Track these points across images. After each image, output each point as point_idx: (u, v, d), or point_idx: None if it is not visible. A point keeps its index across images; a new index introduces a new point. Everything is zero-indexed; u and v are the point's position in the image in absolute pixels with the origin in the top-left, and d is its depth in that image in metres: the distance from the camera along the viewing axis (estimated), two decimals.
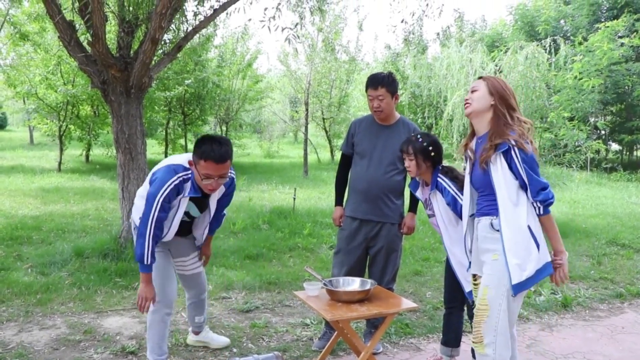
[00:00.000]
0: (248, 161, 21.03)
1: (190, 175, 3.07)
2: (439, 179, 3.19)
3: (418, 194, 3.46)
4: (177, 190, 3.05)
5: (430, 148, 3.23)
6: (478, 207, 2.73)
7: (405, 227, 3.79)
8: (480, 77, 2.75)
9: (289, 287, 5.12)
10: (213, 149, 2.92)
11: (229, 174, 3.17)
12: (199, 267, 3.62)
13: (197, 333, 3.79)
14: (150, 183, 3.14)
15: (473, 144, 2.75)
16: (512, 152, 2.52)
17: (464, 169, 2.87)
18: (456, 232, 3.16)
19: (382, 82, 3.61)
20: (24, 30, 12.67)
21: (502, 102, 2.62)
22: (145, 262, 3.04)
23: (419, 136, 3.29)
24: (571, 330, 4.35)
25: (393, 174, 3.68)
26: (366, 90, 3.70)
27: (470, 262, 2.88)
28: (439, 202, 3.21)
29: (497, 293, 2.54)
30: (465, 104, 2.72)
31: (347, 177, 3.96)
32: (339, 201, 3.95)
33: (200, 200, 3.24)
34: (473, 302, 3.08)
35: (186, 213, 3.26)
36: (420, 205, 3.74)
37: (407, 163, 3.29)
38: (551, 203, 2.54)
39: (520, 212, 2.53)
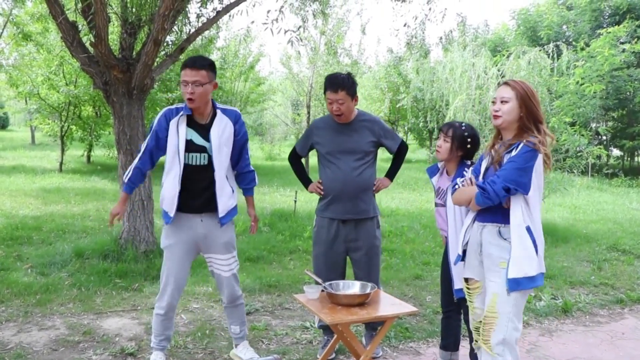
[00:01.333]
0: None
1: (183, 106, 3.25)
2: (465, 173, 3.16)
3: (434, 180, 3.42)
4: (167, 115, 3.25)
5: (469, 140, 3.21)
6: (483, 210, 2.72)
7: (378, 183, 3.74)
8: (506, 83, 2.70)
9: (289, 290, 5.11)
10: (189, 58, 3.19)
11: (233, 109, 3.39)
12: (229, 271, 3.45)
13: (236, 346, 3.61)
14: None
15: (498, 147, 2.75)
16: (517, 146, 2.54)
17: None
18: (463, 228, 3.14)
19: (342, 85, 3.52)
20: (26, 30, 12.69)
21: (530, 115, 2.62)
22: (124, 181, 3.33)
23: (463, 125, 3.28)
24: (571, 335, 4.34)
25: (363, 169, 3.64)
26: (324, 92, 3.62)
27: (458, 255, 2.88)
28: None
29: (506, 301, 2.55)
30: (493, 115, 2.69)
31: (303, 166, 3.99)
32: (308, 182, 3.89)
33: (201, 127, 3.25)
34: (458, 299, 3.11)
35: (191, 145, 3.22)
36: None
37: (439, 143, 3.28)
38: (487, 198, 2.54)
39: (516, 212, 2.54)
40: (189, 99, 3.15)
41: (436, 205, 3.41)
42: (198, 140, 3.24)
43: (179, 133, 3.20)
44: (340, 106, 3.54)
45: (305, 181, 3.92)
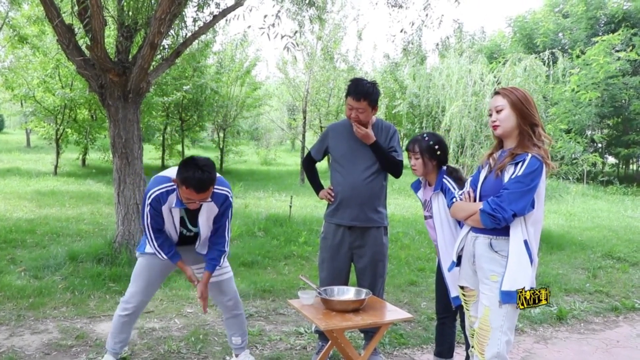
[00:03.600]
0: (245, 168, 21.02)
1: (175, 187, 3.05)
2: (444, 180, 3.16)
3: (419, 194, 3.43)
4: (159, 200, 3.07)
5: (437, 147, 3.22)
6: None
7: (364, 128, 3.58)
8: (497, 92, 2.71)
9: (284, 295, 5.09)
10: (195, 177, 2.87)
11: (223, 192, 3.18)
12: (226, 274, 3.41)
13: (236, 355, 3.54)
14: None
15: (497, 155, 2.74)
16: (524, 161, 2.52)
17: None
18: (452, 236, 3.14)
19: (366, 95, 3.45)
20: (23, 33, 12.66)
21: (525, 120, 2.62)
22: (163, 259, 3.21)
23: (425, 135, 3.28)
24: (566, 343, 4.33)
25: (374, 177, 3.60)
26: (346, 97, 3.55)
27: (453, 262, 2.88)
28: (440, 204, 3.18)
29: (498, 314, 2.54)
30: (492, 126, 2.70)
31: (316, 172, 3.94)
32: (320, 188, 3.83)
33: (191, 213, 3.19)
34: (456, 307, 3.12)
35: (184, 226, 3.24)
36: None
37: (412, 162, 3.28)
38: (497, 224, 2.51)
39: (515, 226, 2.53)
40: (193, 208, 3.07)
41: (425, 218, 3.41)
42: (186, 222, 3.24)
43: (172, 215, 3.15)
44: (359, 115, 3.49)
45: (317, 187, 3.86)
